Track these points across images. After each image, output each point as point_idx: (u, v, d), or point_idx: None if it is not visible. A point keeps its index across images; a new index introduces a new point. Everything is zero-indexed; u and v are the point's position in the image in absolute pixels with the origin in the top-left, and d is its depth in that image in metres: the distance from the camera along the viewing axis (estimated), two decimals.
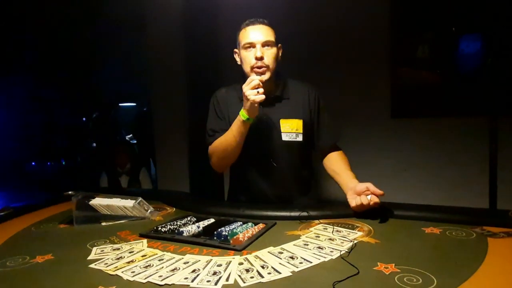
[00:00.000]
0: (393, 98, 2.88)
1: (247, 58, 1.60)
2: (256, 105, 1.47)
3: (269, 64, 1.58)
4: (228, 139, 1.58)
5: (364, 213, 1.39)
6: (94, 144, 6.12)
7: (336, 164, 1.69)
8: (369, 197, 1.35)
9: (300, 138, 1.67)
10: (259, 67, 1.57)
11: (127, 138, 5.87)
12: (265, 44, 1.58)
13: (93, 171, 4.33)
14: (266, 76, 1.58)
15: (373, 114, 2.92)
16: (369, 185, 1.37)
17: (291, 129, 1.65)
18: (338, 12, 2.91)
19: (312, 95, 1.73)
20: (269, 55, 1.58)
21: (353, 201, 1.39)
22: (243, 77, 1.63)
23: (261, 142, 1.65)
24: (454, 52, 2.73)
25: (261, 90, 1.45)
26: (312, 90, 1.74)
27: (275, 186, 1.68)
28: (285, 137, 1.65)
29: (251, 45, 1.58)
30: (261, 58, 1.56)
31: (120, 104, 6.97)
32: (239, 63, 1.68)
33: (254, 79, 1.46)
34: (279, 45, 1.65)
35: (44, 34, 4.88)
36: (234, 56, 1.70)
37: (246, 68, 1.61)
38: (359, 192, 1.39)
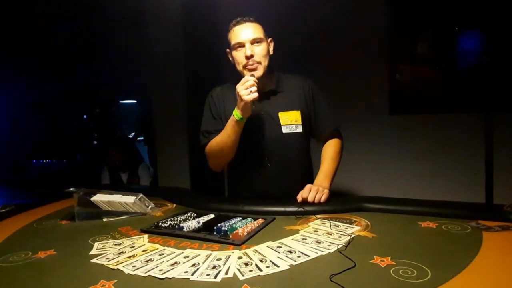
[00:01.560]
0: (391, 95, 2.90)
1: (238, 57, 1.63)
2: (249, 104, 1.49)
3: (260, 61, 1.61)
4: (223, 139, 1.61)
5: (362, 208, 1.44)
6: (95, 142, 6.14)
7: (322, 155, 1.77)
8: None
9: (300, 129, 1.69)
10: (251, 65, 1.59)
11: (129, 136, 5.88)
12: (254, 41, 1.60)
13: (95, 167, 4.36)
14: (259, 72, 1.60)
15: (371, 111, 2.93)
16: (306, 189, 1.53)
17: (290, 121, 1.68)
18: (337, 8, 2.92)
19: (306, 85, 1.75)
20: (259, 51, 1.61)
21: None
22: (238, 75, 1.65)
23: (261, 136, 1.67)
24: (453, 49, 2.74)
25: (253, 89, 1.47)
26: (305, 81, 1.77)
27: (277, 180, 1.69)
28: (285, 130, 1.67)
29: (240, 45, 1.61)
30: (251, 56, 1.59)
31: (120, 101, 6.97)
32: (232, 62, 1.70)
33: (249, 79, 1.48)
34: (270, 39, 1.68)
35: (42, 30, 4.88)
36: (228, 56, 1.73)
37: (239, 68, 1.64)
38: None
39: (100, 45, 5.42)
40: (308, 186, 1.54)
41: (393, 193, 1.85)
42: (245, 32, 1.61)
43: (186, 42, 3.20)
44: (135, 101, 7.28)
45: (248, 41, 1.59)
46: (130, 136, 5.88)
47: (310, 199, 1.48)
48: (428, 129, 2.79)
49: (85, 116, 6.39)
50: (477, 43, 2.68)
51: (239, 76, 1.63)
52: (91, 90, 5.75)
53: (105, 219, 1.49)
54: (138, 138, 5.82)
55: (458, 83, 2.73)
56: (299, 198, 1.50)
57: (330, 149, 1.76)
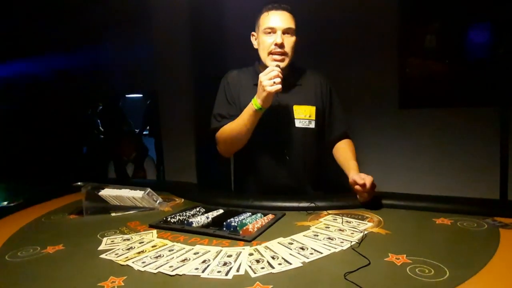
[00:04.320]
0: (401, 88, 2.86)
1: (265, 43, 1.56)
2: (271, 95, 1.44)
3: (288, 52, 1.56)
4: (238, 126, 1.56)
5: (374, 203, 1.40)
6: (101, 136, 6.16)
7: (342, 153, 1.68)
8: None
9: (312, 125, 1.65)
10: (279, 54, 1.54)
11: (136, 130, 5.88)
12: (286, 31, 1.55)
13: (101, 161, 4.37)
14: (285, 63, 1.56)
15: (381, 105, 2.90)
16: (357, 178, 1.36)
17: (304, 116, 1.63)
18: (347, 2, 2.87)
19: (324, 83, 1.71)
20: (289, 43, 1.56)
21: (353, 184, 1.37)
22: (258, 60, 1.60)
23: (273, 128, 1.62)
24: (462, 42, 2.69)
25: (277, 80, 1.42)
26: (323, 78, 1.73)
27: (285, 174, 1.65)
28: (298, 124, 1.63)
29: (272, 31, 1.55)
30: (281, 45, 1.53)
31: (126, 96, 6.97)
32: (255, 46, 1.65)
33: (273, 70, 1.43)
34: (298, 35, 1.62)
35: (48, 22, 4.87)
36: (251, 39, 1.67)
37: (263, 53, 1.58)
38: (352, 184, 1.39)
39: (106, 39, 5.41)
40: (369, 179, 1.35)
41: (403, 188, 1.81)
42: (280, 19, 1.55)
43: (192, 36, 3.18)
44: (141, 95, 7.28)
45: (281, 29, 1.54)
46: (137, 130, 5.88)
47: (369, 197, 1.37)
48: (439, 123, 2.75)
49: (89, 112, 6.40)
50: (487, 36, 2.62)
51: (257, 62, 1.60)
52: (96, 84, 5.75)
53: (113, 214, 1.48)
54: (144, 132, 5.82)
55: (469, 76, 2.68)
56: (360, 188, 1.34)
57: (349, 148, 1.69)
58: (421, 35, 2.80)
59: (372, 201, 1.40)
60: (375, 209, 1.37)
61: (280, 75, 1.44)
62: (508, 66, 2.46)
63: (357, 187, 1.35)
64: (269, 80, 1.42)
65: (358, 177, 1.35)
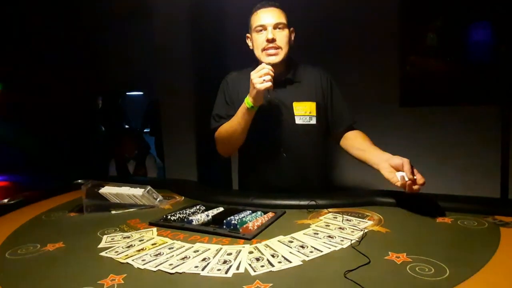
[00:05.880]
0: (401, 86, 2.85)
1: (258, 40, 1.58)
2: (261, 93, 1.45)
3: (281, 46, 1.56)
4: (233, 126, 1.57)
5: (374, 202, 1.40)
6: (102, 132, 6.15)
7: (359, 141, 1.64)
8: (400, 175, 1.24)
9: (313, 121, 1.65)
10: (272, 49, 1.55)
11: (137, 128, 5.87)
12: (277, 26, 1.56)
13: (102, 158, 4.37)
14: (279, 57, 1.56)
15: (381, 103, 2.88)
16: (405, 163, 1.26)
17: (304, 112, 1.63)
18: (347, 0, 2.86)
19: (324, 77, 1.71)
20: (281, 37, 1.57)
21: (394, 176, 1.28)
22: (256, 62, 1.61)
23: (274, 126, 1.63)
24: (464, 40, 2.68)
25: (267, 78, 1.42)
26: (324, 73, 1.72)
27: (288, 172, 1.65)
28: (298, 120, 1.63)
29: (263, 28, 1.57)
30: (272, 40, 1.55)
31: (127, 93, 6.96)
32: (251, 47, 1.66)
33: (264, 67, 1.43)
34: (292, 28, 1.63)
35: (48, 20, 4.86)
36: (247, 41, 1.69)
37: (257, 51, 1.60)
38: (395, 166, 1.31)
39: (107, 36, 5.41)
40: (406, 161, 1.28)
41: None
42: (269, 16, 1.57)
43: (192, 33, 3.17)
44: (141, 93, 7.28)
45: (271, 24, 1.55)
46: (138, 129, 5.87)
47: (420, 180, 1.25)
48: (440, 122, 2.74)
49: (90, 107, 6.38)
50: (489, 34, 2.61)
51: (256, 63, 1.60)
52: (97, 81, 5.74)
53: (113, 212, 1.48)
54: (145, 130, 5.82)
55: (470, 75, 2.67)
56: (403, 179, 1.23)
57: (364, 136, 1.65)
58: (423, 33, 2.79)
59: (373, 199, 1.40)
60: (375, 206, 1.37)
61: (271, 73, 1.43)
62: (509, 64, 2.44)
63: (401, 181, 1.24)
64: (259, 77, 1.42)
65: (402, 173, 1.24)
